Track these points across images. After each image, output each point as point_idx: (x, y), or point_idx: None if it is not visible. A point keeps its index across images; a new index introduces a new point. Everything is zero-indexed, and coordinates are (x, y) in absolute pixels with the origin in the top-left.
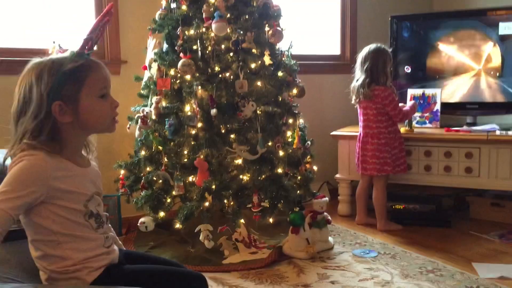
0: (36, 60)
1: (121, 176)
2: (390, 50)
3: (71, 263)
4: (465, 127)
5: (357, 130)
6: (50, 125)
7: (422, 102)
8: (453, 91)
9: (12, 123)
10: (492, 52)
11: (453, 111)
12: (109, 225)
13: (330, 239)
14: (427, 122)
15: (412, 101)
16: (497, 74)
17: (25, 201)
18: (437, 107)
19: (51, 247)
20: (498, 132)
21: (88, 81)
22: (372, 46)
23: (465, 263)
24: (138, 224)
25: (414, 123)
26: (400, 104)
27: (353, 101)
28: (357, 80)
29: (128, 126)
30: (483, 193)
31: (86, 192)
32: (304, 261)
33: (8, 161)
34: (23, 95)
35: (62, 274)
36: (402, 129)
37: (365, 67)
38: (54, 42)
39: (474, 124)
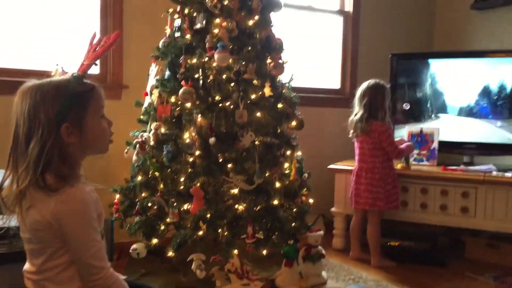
0: (33, 82)
1: (116, 200)
2: (388, 86)
3: (78, 285)
4: (462, 167)
5: (354, 165)
6: (58, 149)
7: (419, 139)
8: (451, 130)
9: (22, 146)
10: (491, 94)
11: (450, 150)
12: None
13: (324, 273)
14: (425, 159)
15: (409, 142)
16: (496, 115)
17: None
18: (435, 145)
19: (64, 268)
20: (494, 173)
21: (92, 102)
22: (371, 81)
23: None
24: (130, 251)
25: (411, 160)
26: (397, 139)
27: (350, 135)
28: (356, 115)
29: (126, 150)
30: (479, 233)
31: (100, 213)
32: None
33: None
34: (27, 116)
35: None
36: (398, 165)
37: (363, 102)
38: (57, 65)
39: (471, 163)
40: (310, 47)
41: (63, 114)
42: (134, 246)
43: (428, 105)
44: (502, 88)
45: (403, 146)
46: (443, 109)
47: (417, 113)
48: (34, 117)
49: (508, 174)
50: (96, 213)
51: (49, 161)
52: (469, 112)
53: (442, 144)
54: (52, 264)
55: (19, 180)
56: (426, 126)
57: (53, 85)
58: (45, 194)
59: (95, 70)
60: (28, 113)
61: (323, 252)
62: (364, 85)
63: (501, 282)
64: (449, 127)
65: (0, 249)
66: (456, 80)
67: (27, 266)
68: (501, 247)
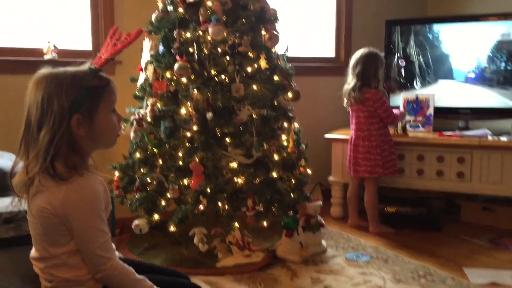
0: (48, 70)
1: (115, 177)
2: (382, 54)
3: (84, 272)
4: (457, 132)
5: (350, 133)
6: (67, 139)
7: (415, 106)
8: (446, 95)
9: (33, 133)
10: (485, 57)
11: (445, 115)
12: None
13: (323, 242)
14: (420, 126)
15: (401, 109)
16: (490, 79)
17: None
18: (430, 111)
19: (69, 256)
20: (490, 138)
21: (105, 97)
22: (365, 50)
23: (456, 267)
24: (132, 227)
25: (408, 126)
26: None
27: (345, 104)
28: (349, 84)
29: (123, 127)
30: (473, 196)
31: (107, 203)
32: (298, 265)
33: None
34: (40, 104)
35: (71, 282)
36: (391, 131)
37: (356, 71)
38: (49, 42)
39: (466, 128)
40: (304, 15)
41: (76, 106)
42: (136, 222)
43: (424, 71)
44: (497, 52)
45: (396, 111)
46: (439, 74)
47: (412, 79)
48: (47, 106)
49: (503, 138)
50: (104, 203)
51: (59, 150)
52: (464, 77)
53: (437, 110)
54: (57, 251)
55: (29, 166)
56: (422, 92)
57: (69, 75)
58: (55, 182)
59: (88, 45)
60: (42, 101)
61: (322, 221)
62: (357, 54)
63: (496, 244)
64: (444, 93)
65: (8, 233)
66: (451, 45)
67: (33, 252)
68: (496, 210)
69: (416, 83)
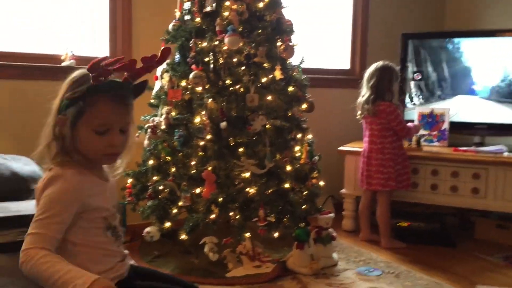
0: (82, 70)
1: (128, 184)
2: (398, 68)
3: (98, 269)
4: (473, 147)
5: (363, 146)
6: (61, 136)
7: (430, 120)
8: (462, 110)
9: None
10: (502, 72)
11: (461, 130)
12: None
13: (334, 255)
14: (435, 140)
15: (417, 123)
16: (507, 95)
17: (67, 222)
18: (445, 126)
19: (68, 258)
20: (506, 154)
21: (88, 113)
22: (379, 63)
23: (469, 285)
24: (143, 234)
25: (422, 141)
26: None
27: (358, 117)
28: (363, 96)
29: (137, 134)
30: (488, 213)
31: (108, 206)
32: (308, 277)
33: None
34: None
35: None
36: (405, 145)
37: (370, 84)
38: (67, 49)
39: (482, 144)
40: (320, 27)
41: (63, 107)
42: (147, 229)
43: (439, 85)
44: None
45: (410, 125)
46: (455, 89)
47: (428, 93)
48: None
49: None
50: (82, 196)
51: (52, 145)
52: (479, 92)
53: (453, 124)
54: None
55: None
56: (437, 106)
57: (71, 79)
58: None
59: (105, 52)
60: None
61: (334, 234)
62: (372, 67)
63: (511, 262)
64: (459, 108)
65: (19, 237)
66: (467, 59)
67: None
68: (511, 228)
69: (431, 97)
